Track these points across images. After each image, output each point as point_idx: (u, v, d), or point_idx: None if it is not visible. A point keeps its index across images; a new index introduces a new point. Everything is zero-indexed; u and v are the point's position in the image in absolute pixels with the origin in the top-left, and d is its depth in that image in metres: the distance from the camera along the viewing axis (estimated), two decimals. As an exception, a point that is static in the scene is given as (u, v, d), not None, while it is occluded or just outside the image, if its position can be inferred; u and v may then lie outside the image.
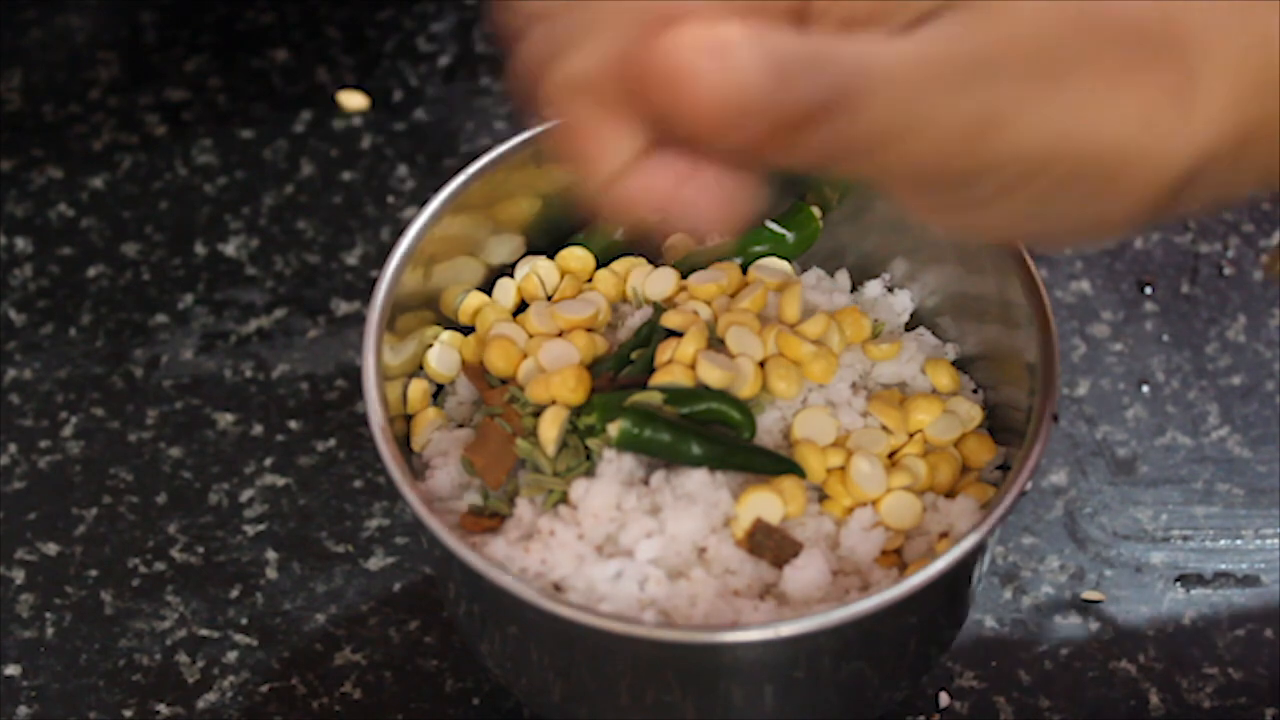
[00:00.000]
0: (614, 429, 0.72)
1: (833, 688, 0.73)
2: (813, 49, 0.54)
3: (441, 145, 1.01)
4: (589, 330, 0.77)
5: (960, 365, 0.79)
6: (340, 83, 1.03)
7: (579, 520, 0.72)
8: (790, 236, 0.80)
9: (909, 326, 0.80)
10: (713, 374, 0.74)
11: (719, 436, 0.73)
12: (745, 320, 0.76)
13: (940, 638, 0.75)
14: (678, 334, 0.75)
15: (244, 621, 0.86)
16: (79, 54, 1.05)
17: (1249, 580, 0.86)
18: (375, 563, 0.87)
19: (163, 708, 0.83)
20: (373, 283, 0.75)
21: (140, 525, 0.88)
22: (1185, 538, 0.88)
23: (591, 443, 0.73)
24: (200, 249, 0.97)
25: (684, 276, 0.79)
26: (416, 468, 0.76)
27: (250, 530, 0.88)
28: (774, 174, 0.80)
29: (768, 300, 0.77)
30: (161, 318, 0.95)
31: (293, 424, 0.91)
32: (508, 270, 0.81)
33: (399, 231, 0.92)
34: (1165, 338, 0.94)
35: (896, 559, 0.74)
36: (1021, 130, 0.56)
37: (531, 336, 0.77)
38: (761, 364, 0.75)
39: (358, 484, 0.89)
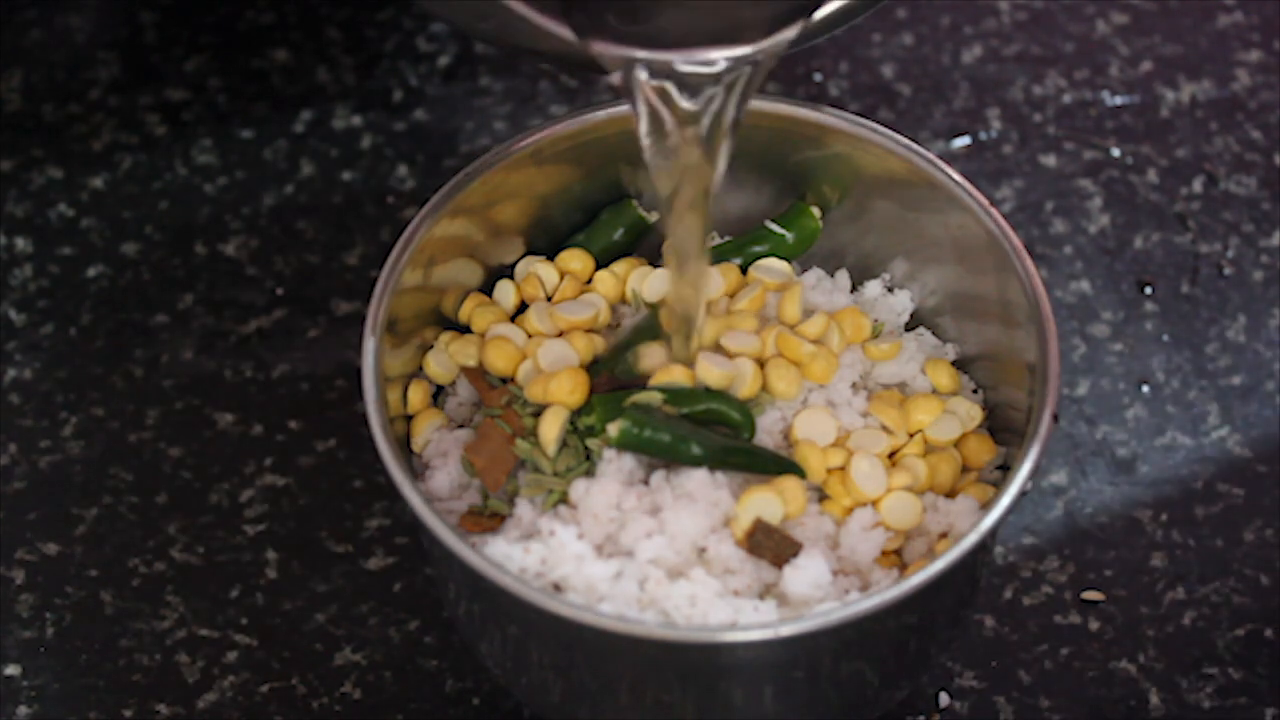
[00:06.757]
0: (614, 429, 0.72)
1: (833, 688, 0.73)
2: None
3: (441, 145, 1.01)
4: (588, 331, 0.77)
5: (960, 365, 0.79)
6: (340, 83, 1.03)
7: (579, 520, 0.72)
8: (790, 236, 0.80)
9: (909, 326, 0.80)
10: (713, 374, 0.74)
11: (719, 436, 0.73)
12: (745, 320, 0.76)
13: (940, 638, 0.75)
14: (677, 334, 0.76)
15: (244, 621, 0.86)
16: (79, 54, 1.05)
17: (1249, 580, 0.86)
18: (375, 563, 0.87)
19: (163, 708, 0.83)
20: (373, 283, 0.75)
21: (140, 525, 0.88)
22: (1185, 537, 0.88)
23: (591, 443, 0.73)
24: (200, 249, 0.97)
25: (684, 276, 0.79)
26: (416, 468, 0.76)
27: (250, 530, 0.88)
28: (774, 173, 0.80)
29: (767, 300, 0.77)
30: (161, 318, 0.95)
31: (293, 424, 0.91)
32: (507, 271, 0.81)
33: (399, 231, 0.92)
34: (1165, 338, 0.94)
35: (896, 559, 0.74)
36: None
37: (531, 337, 0.77)
38: (761, 364, 0.75)
39: (358, 484, 0.89)
